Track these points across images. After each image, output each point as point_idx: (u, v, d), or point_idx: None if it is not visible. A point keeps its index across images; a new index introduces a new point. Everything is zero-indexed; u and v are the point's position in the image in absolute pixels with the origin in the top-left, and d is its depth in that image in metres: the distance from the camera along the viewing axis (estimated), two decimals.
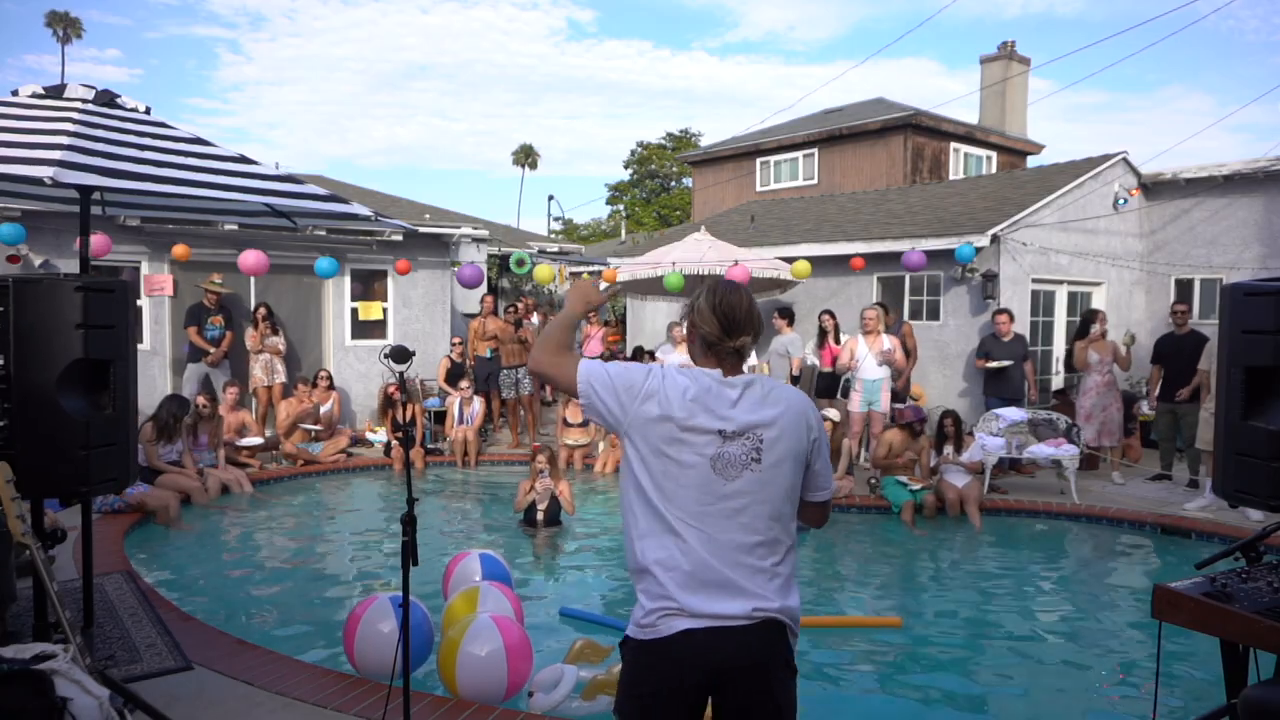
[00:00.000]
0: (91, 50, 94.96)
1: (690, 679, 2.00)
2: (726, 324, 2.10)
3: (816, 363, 10.11)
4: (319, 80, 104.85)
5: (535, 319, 12.19)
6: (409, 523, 3.02)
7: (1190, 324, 8.72)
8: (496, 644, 3.78)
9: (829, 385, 9.98)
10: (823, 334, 10.00)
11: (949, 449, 8.04)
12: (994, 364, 9.32)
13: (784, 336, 10.06)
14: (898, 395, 9.53)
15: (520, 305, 12.36)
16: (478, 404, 10.30)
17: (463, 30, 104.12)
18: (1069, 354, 10.19)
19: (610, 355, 12.18)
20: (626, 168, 43.50)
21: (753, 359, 10.13)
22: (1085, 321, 9.45)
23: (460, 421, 10.17)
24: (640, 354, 11.73)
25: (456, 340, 11.50)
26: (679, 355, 9.79)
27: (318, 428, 9.87)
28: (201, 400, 8.74)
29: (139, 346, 9.83)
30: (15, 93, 4.23)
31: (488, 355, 11.28)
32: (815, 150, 20.54)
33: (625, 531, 2.11)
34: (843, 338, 10.01)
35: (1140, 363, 10.16)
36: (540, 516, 7.02)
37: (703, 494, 2.01)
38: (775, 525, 2.06)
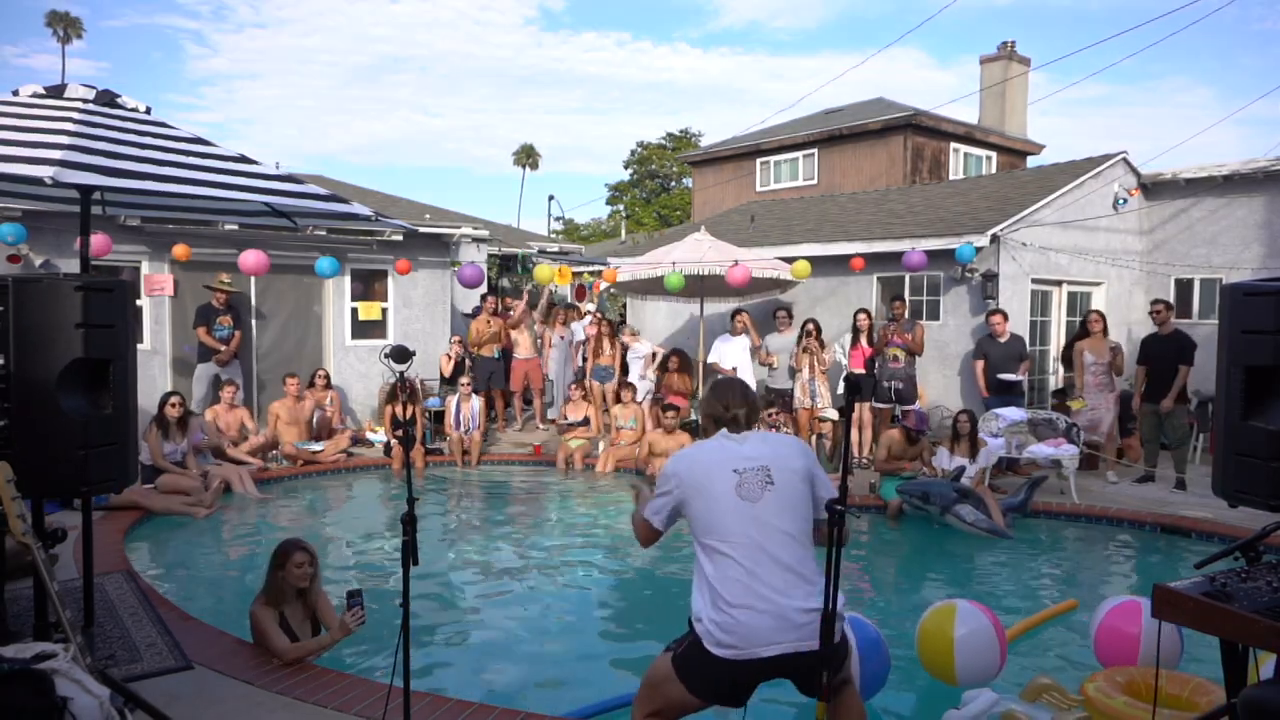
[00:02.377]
0: (52, 41, 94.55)
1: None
2: (725, 404, 2.97)
3: (845, 362, 10.04)
4: (292, 75, 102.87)
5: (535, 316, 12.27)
6: (409, 523, 3.02)
7: (1174, 323, 8.75)
8: (983, 623, 3.86)
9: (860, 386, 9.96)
10: (856, 334, 9.94)
11: (959, 449, 8.01)
12: (1008, 377, 9.30)
13: (786, 335, 10.17)
14: (904, 396, 9.55)
15: (505, 301, 12.49)
16: (477, 403, 10.29)
17: (434, 20, 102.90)
18: (1065, 350, 10.20)
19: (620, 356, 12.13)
20: (626, 168, 43.53)
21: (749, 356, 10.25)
22: (1085, 322, 9.48)
23: (457, 423, 10.16)
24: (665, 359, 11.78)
25: (456, 339, 11.50)
26: (737, 343, 10.22)
27: (319, 445, 9.82)
28: (173, 403, 8.28)
29: (139, 346, 9.83)
30: (15, 93, 4.23)
31: (495, 355, 11.32)
32: (815, 150, 20.53)
33: None
34: (829, 341, 10.04)
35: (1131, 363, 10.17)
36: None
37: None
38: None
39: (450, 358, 11.21)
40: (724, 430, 2.93)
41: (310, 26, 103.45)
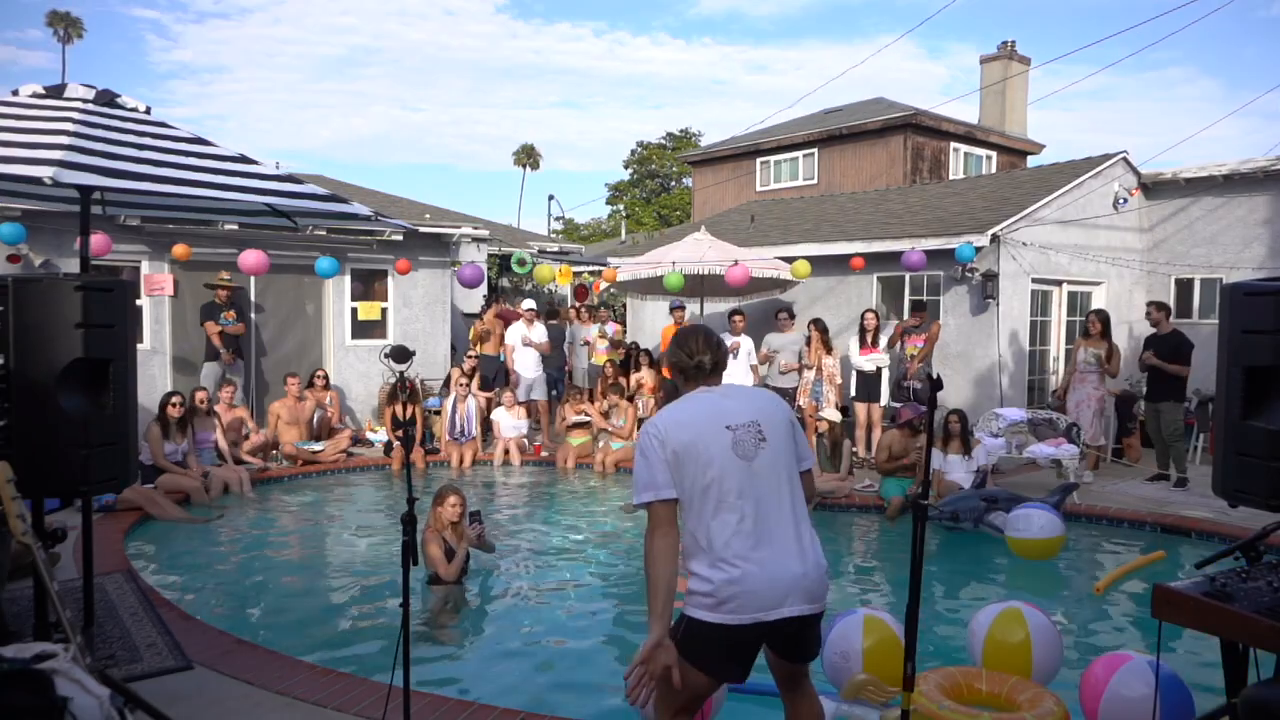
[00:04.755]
0: (12, 32, 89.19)
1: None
2: (689, 351, 2.81)
3: (855, 361, 9.96)
4: (261, 68, 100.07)
5: (595, 329, 12.09)
6: (409, 522, 3.02)
7: (1171, 324, 8.76)
8: (1043, 620, 3.89)
9: (870, 387, 9.89)
10: (863, 333, 9.90)
11: (950, 449, 8.00)
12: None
13: (787, 335, 10.16)
14: (922, 396, 9.53)
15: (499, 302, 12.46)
16: (473, 404, 10.25)
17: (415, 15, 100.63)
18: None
19: (622, 359, 12.08)
20: (626, 167, 43.55)
21: (754, 357, 10.23)
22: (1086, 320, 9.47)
23: (453, 425, 10.13)
24: (639, 351, 11.75)
25: (471, 354, 11.18)
26: (742, 342, 10.14)
27: (319, 445, 9.82)
28: (200, 396, 8.79)
29: (139, 345, 9.83)
30: (15, 93, 4.24)
31: (499, 358, 11.31)
32: (815, 150, 20.53)
33: None
34: (832, 341, 9.99)
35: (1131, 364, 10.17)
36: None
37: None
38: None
39: (463, 371, 10.78)
40: (701, 387, 2.80)
41: (271, 16, 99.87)
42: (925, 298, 11.18)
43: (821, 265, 11.38)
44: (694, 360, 2.79)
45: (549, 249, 17.79)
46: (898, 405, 9.66)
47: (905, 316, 10.20)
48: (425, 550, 5.51)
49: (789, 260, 10.65)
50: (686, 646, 2.60)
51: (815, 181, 20.38)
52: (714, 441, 2.61)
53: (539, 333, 11.12)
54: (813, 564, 2.63)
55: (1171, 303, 11.55)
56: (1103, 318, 9.23)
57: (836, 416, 9.27)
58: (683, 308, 10.95)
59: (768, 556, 2.56)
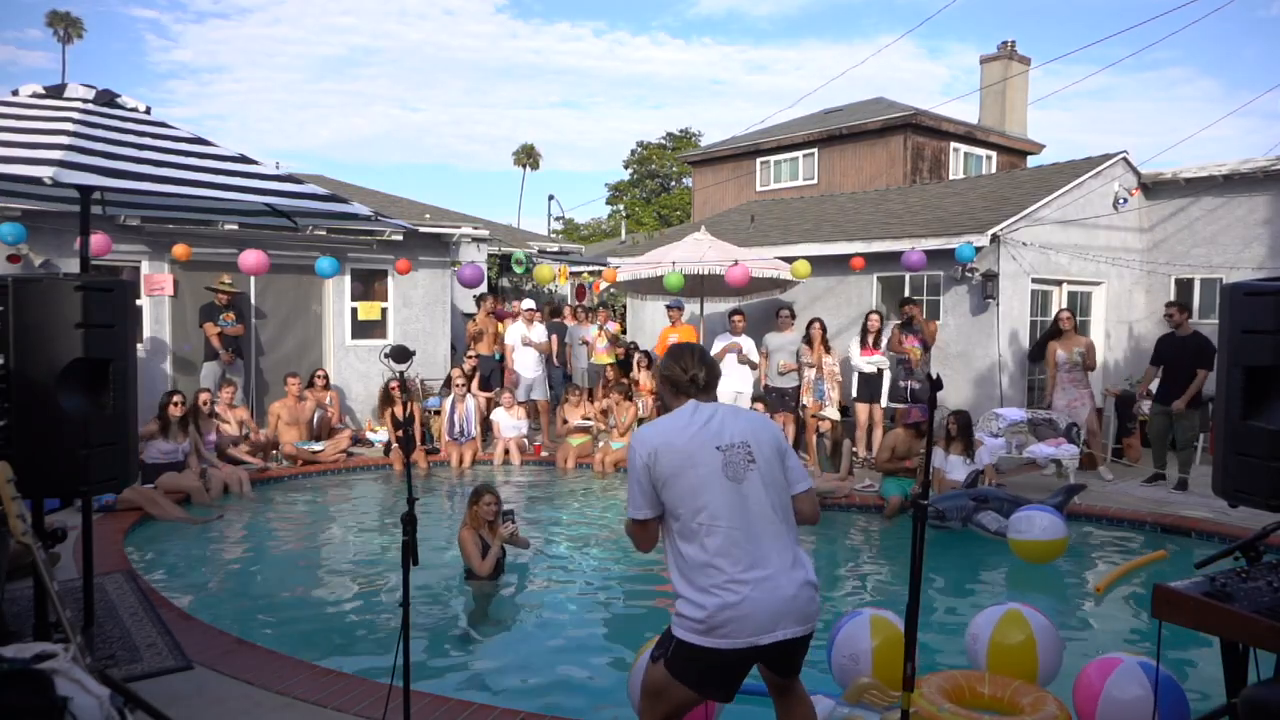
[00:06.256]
0: (12, 32, 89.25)
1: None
2: (684, 366, 2.84)
3: (855, 363, 9.94)
4: (261, 68, 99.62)
5: (594, 329, 12.06)
6: (409, 522, 3.02)
7: (1191, 325, 8.70)
8: (1043, 621, 3.88)
9: (873, 387, 9.90)
10: (865, 334, 9.89)
11: (952, 449, 7.99)
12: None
13: (786, 335, 10.15)
14: (921, 396, 9.52)
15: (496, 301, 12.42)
16: (471, 403, 10.24)
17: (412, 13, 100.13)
18: (1036, 348, 10.08)
19: (624, 360, 12.04)
20: (626, 167, 43.55)
21: (755, 356, 10.21)
22: (1055, 320, 9.45)
23: (452, 425, 10.12)
24: (636, 350, 11.75)
25: (471, 355, 11.25)
26: (742, 343, 10.06)
27: (319, 445, 9.83)
28: (204, 397, 8.81)
29: (139, 346, 9.84)
30: (15, 93, 4.24)
31: (497, 358, 11.28)
32: (815, 150, 20.53)
33: None
34: (831, 341, 9.96)
35: (1140, 362, 10.14)
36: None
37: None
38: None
39: (462, 372, 10.83)
40: (692, 401, 2.80)
41: (271, 16, 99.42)
42: (925, 297, 11.18)
43: (821, 265, 11.38)
44: (688, 374, 2.82)
45: (549, 249, 17.80)
46: (899, 406, 9.65)
47: (901, 318, 10.16)
48: (462, 547, 5.68)
49: (789, 260, 10.63)
50: (676, 665, 2.63)
51: (815, 181, 20.38)
52: (704, 464, 2.63)
53: (539, 333, 11.13)
54: (803, 584, 2.63)
55: None
56: (1073, 313, 9.20)
57: (836, 415, 9.27)
58: (681, 307, 10.94)
59: (759, 581, 2.55)
